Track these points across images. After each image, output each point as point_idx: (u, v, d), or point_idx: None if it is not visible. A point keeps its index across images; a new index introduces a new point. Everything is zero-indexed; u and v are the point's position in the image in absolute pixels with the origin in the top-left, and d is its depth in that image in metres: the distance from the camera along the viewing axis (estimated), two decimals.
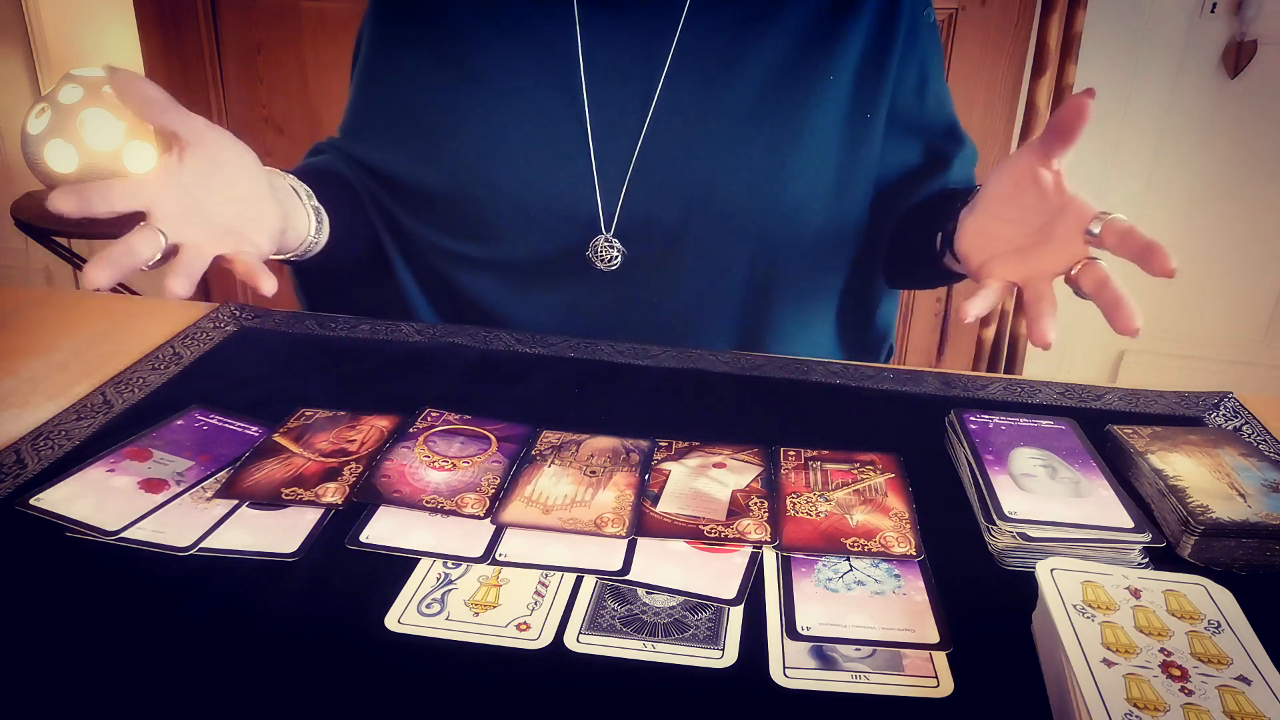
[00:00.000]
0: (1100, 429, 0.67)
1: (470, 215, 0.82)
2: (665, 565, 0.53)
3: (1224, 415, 0.72)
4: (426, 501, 0.57)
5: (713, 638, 0.48)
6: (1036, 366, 2.21)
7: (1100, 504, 0.56)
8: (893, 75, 0.81)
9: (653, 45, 0.80)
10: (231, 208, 0.63)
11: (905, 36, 0.81)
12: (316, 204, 0.75)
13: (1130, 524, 0.55)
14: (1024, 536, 0.54)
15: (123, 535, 0.53)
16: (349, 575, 0.52)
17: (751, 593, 0.51)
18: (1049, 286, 0.60)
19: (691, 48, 0.80)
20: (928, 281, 0.92)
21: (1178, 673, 0.42)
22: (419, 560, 0.53)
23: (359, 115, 0.89)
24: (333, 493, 0.58)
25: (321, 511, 0.57)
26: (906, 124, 0.84)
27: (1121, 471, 0.63)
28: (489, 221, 0.82)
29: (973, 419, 0.66)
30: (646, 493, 0.59)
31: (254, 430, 0.65)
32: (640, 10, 0.80)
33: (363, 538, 0.54)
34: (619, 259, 0.81)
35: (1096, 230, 0.59)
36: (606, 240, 0.81)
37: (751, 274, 0.83)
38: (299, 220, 0.71)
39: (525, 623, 0.49)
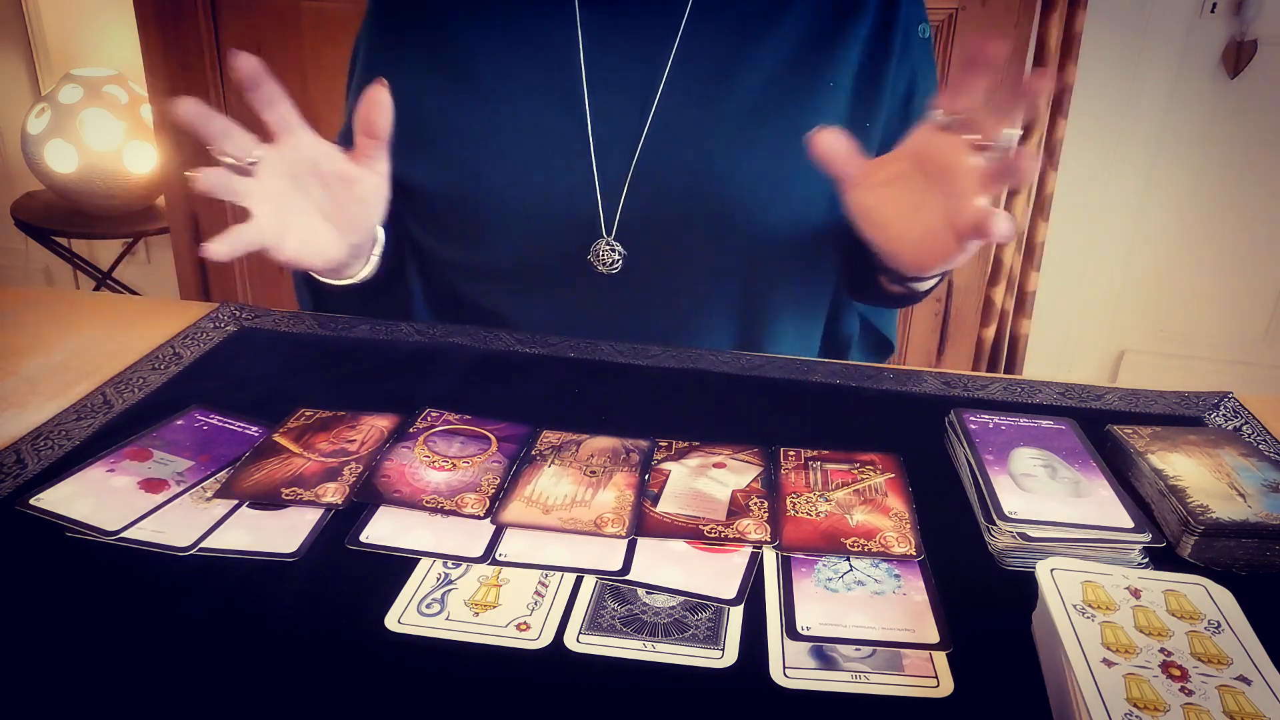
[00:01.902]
0: (1100, 429, 0.67)
1: (471, 219, 0.82)
2: (665, 565, 0.53)
3: (1224, 415, 0.72)
4: (426, 501, 0.57)
5: (713, 638, 0.48)
6: (1036, 366, 2.21)
7: (1100, 504, 0.56)
8: (889, 85, 0.82)
9: (653, 49, 0.80)
10: (316, 224, 0.69)
11: (900, 46, 0.81)
12: (379, 252, 0.78)
13: (1130, 524, 0.55)
14: (1024, 536, 0.54)
15: (123, 535, 0.53)
16: (349, 575, 0.52)
17: (751, 593, 0.51)
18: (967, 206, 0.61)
19: (692, 52, 0.80)
20: (873, 291, 0.85)
21: (1178, 673, 0.42)
22: (419, 560, 0.53)
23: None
24: (333, 493, 0.58)
25: (321, 511, 0.57)
26: (889, 135, 0.84)
27: (1121, 471, 0.63)
28: (490, 225, 0.82)
29: (973, 419, 0.66)
30: (646, 493, 0.59)
31: (254, 430, 0.65)
32: (641, 14, 0.80)
33: (363, 538, 0.54)
34: (619, 262, 0.81)
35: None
36: (607, 243, 0.81)
37: (750, 278, 0.83)
38: (355, 268, 0.77)
39: (525, 623, 0.49)
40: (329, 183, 0.68)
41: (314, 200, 0.69)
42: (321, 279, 0.78)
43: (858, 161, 0.66)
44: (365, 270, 0.78)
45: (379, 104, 0.66)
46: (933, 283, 0.78)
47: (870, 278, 0.82)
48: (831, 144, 0.66)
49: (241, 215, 0.65)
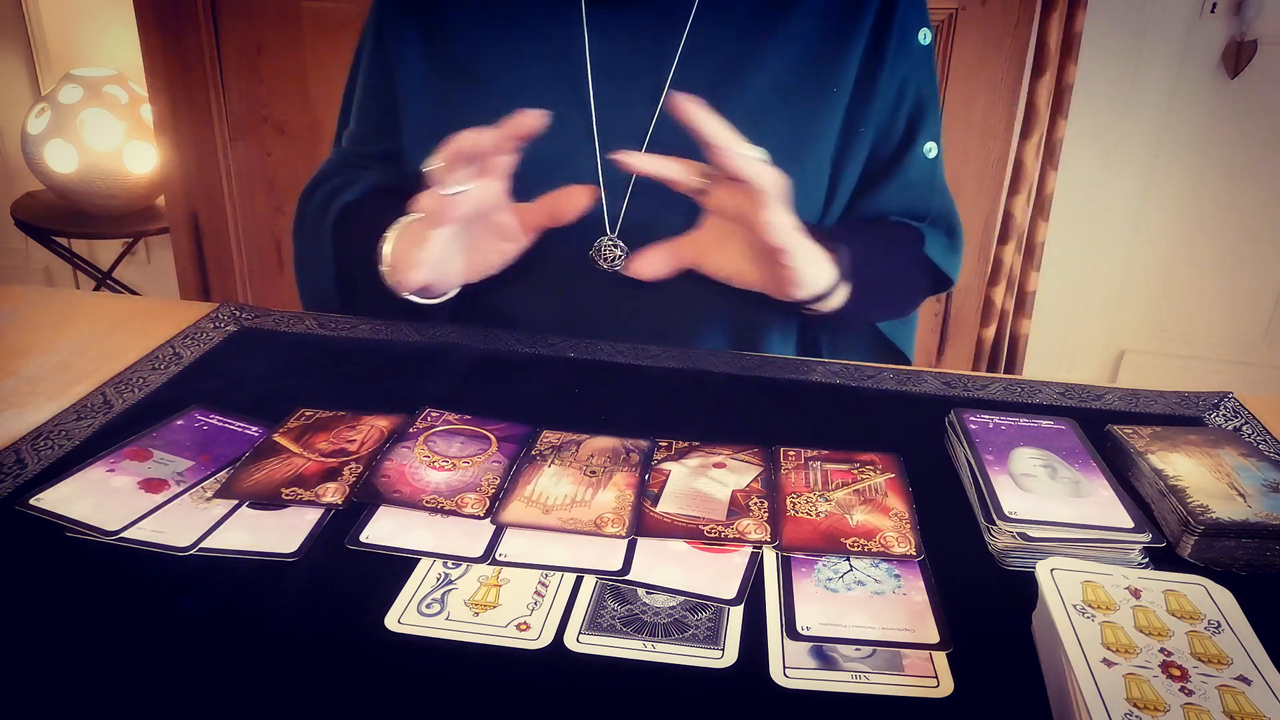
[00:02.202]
0: (1100, 429, 0.67)
1: None
2: (665, 565, 0.53)
3: (1224, 415, 0.72)
4: (426, 501, 0.57)
5: (713, 638, 0.48)
6: (1036, 366, 2.21)
7: (1100, 504, 0.56)
8: (882, 90, 0.82)
9: (659, 48, 0.80)
10: (455, 258, 0.75)
11: (894, 51, 0.81)
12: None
13: (1130, 524, 0.55)
14: (1024, 536, 0.54)
15: (123, 535, 0.53)
16: (349, 575, 0.52)
17: (751, 593, 0.51)
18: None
19: (698, 53, 0.80)
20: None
21: (1178, 673, 0.42)
22: (419, 560, 0.53)
23: (366, 120, 0.89)
24: (333, 493, 0.58)
25: (321, 511, 0.57)
26: (880, 141, 0.85)
27: (1121, 471, 0.63)
28: None
29: (973, 419, 0.66)
30: (646, 493, 0.59)
31: (254, 430, 0.65)
32: (647, 12, 0.80)
33: (363, 538, 0.54)
34: (622, 260, 0.81)
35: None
36: (610, 241, 0.81)
37: None
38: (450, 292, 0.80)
39: (525, 623, 0.49)
40: (489, 230, 0.75)
41: (468, 236, 0.74)
42: (410, 295, 0.79)
43: (686, 250, 0.74)
44: (451, 294, 0.80)
45: (576, 204, 0.72)
46: (835, 299, 0.77)
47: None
48: (650, 265, 0.73)
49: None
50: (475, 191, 0.70)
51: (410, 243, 0.74)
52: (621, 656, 0.47)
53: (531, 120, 0.66)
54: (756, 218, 0.67)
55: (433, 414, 0.67)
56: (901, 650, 0.48)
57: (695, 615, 0.50)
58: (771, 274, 0.72)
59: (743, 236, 0.71)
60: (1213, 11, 1.92)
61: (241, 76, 1.74)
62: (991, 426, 0.65)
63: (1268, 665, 0.43)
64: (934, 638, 0.49)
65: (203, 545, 0.53)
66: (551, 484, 0.59)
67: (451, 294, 0.79)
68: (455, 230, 0.72)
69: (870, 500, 0.59)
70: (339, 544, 0.54)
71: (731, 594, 0.51)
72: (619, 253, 0.81)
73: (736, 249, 0.73)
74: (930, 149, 0.87)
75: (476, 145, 0.66)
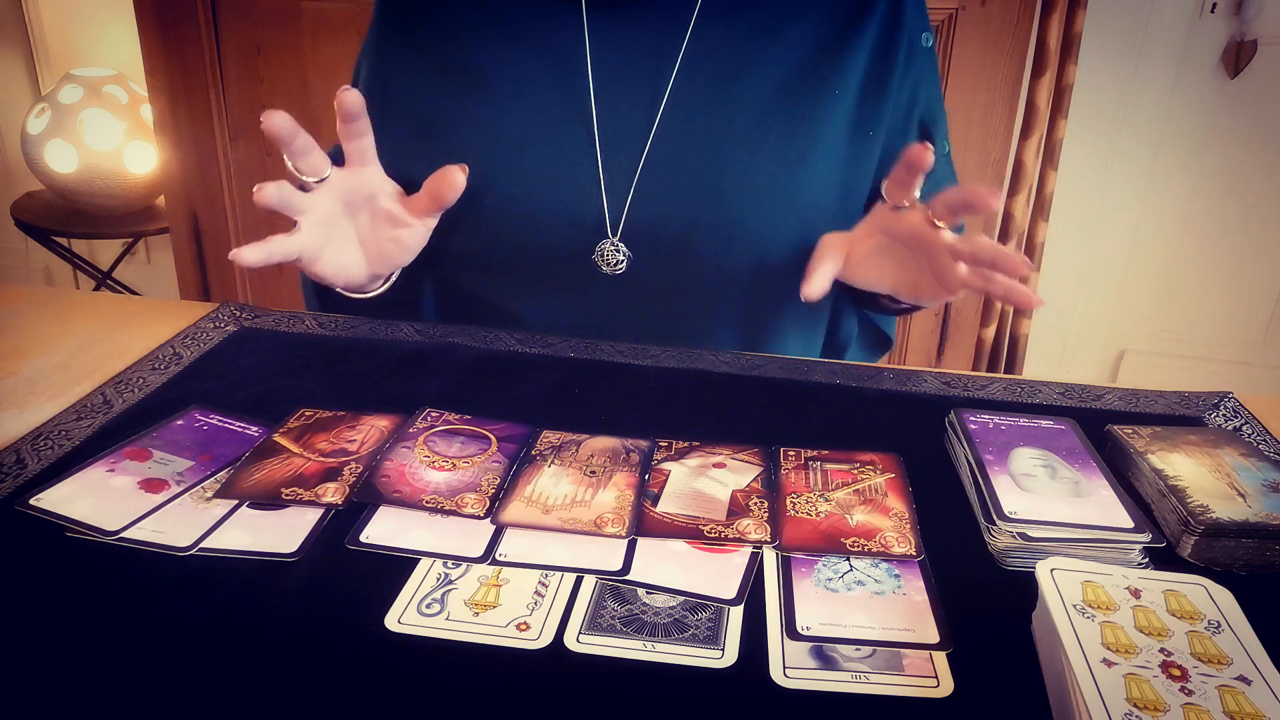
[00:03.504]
0: (1100, 429, 0.67)
1: (475, 217, 0.82)
2: (665, 565, 0.53)
3: (1224, 415, 0.72)
4: (426, 501, 0.57)
5: (713, 638, 0.48)
6: (1036, 366, 2.21)
7: (1100, 504, 0.56)
8: (893, 95, 0.82)
9: (660, 51, 0.80)
10: (350, 247, 0.74)
11: (904, 58, 0.82)
12: (395, 275, 0.82)
13: (1130, 524, 0.55)
14: (1024, 536, 0.54)
15: (123, 535, 0.53)
16: (349, 575, 0.52)
17: (751, 593, 0.51)
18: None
19: (699, 56, 0.80)
20: (879, 306, 0.89)
21: (1178, 673, 0.42)
22: (419, 560, 0.53)
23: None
24: (333, 493, 0.58)
25: (321, 511, 0.57)
26: (892, 144, 0.85)
27: (1121, 471, 0.63)
28: (494, 224, 0.82)
29: (973, 419, 0.66)
30: (646, 493, 0.59)
31: (254, 430, 0.65)
32: (648, 16, 0.80)
33: (363, 538, 0.54)
34: (624, 263, 0.81)
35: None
36: (613, 245, 0.81)
37: (756, 282, 0.83)
38: (372, 286, 0.81)
39: (525, 623, 0.49)
40: (378, 218, 0.74)
41: (358, 227, 0.75)
42: (335, 288, 0.80)
43: (841, 257, 0.75)
44: (381, 289, 0.81)
45: (452, 184, 0.72)
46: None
47: (873, 300, 0.85)
48: (825, 283, 0.74)
49: (252, 221, 0.66)
50: (335, 179, 0.70)
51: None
52: (621, 656, 0.47)
53: (351, 98, 0.67)
54: (941, 241, 0.67)
55: (433, 414, 0.67)
56: (901, 650, 0.48)
57: (695, 615, 0.50)
58: (916, 283, 0.72)
59: (901, 252, 0.72)
60: (1213, 11, 1.92)
61: (241, 76, 1.74)
62: (991, 426, 0.65)
63: (1268, 665, 0.43)
64: (934, 638, 0.49)
65: (203, 545, 0.53)
66: (551, 484, 0.59)
67: (382, 288, 0.81)
68: (338, 220, 0.72)
69: (870, 500, 0.59)
70: (339, 544, 0.54)
71: (731, 594, 0.51)
72: (621, 257, 0.81)
73: (887, 261, 0.73)
74: (943, 147, 0.89)
75: (286, 128, 0.65)
